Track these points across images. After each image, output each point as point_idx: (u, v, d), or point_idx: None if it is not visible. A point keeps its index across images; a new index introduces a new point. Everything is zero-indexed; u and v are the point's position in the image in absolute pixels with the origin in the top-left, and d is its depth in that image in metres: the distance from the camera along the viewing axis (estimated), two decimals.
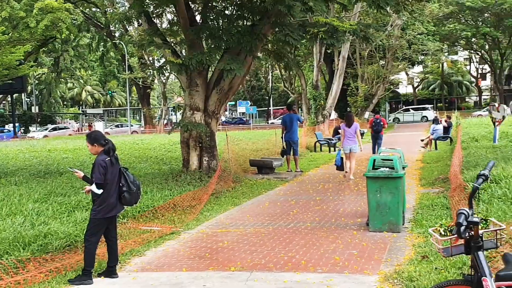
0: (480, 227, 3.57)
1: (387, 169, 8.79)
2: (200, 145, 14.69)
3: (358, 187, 13.75)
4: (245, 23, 14.98)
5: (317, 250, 7.81)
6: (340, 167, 15.39)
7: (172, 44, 16.00)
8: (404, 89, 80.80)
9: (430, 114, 57.06)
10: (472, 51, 68.63)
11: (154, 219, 10.25)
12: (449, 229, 3.74)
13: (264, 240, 8.56)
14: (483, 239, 3.54)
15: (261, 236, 8.81)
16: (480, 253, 3.46)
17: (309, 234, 8.87)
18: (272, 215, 10.61)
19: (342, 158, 15.38)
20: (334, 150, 24.58)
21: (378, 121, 20.31)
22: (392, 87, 55.35)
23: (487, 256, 5.50)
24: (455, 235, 3.49)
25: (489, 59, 64.49)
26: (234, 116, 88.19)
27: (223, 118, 75.38)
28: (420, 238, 8.16)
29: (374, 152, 18.66)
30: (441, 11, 53.70)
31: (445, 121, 24.62)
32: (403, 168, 9.37)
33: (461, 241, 3.56)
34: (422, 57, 53.49)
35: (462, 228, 3.34)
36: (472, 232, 3.47)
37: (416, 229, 8.72)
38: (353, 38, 18.74)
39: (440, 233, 3.81)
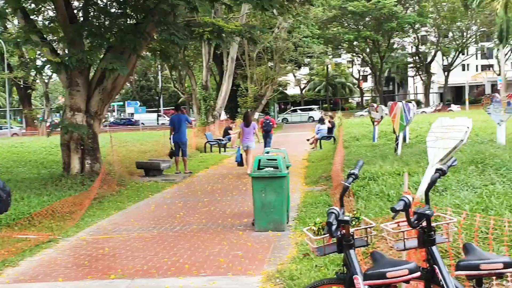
0: (352, 225, 3.62)
1: (272, 169, 8.88)
2: (82, 147, 14.07)
3: (247, 187, 13.79)
4: (128, 21, 14.55)
5: (202, 253, 7.69)
6: (240, 163, 16.65)
7: (52, 42, 15.19)
8: (292, 90, 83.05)
9: (317, 114, 59.09)
10: (354, 54, 71.98)
11: (31, 226, 9.64)
12: (322, 228, 3.77)
13: (147, 245, 8.30)
14: (355, 237, 3.59)
15: (145, 241, 8.54)
16: (351, 251, 3.51)
17: (195, 237, 8.73)
18: (158, 219, 10.35)
19: (241, 155, 16.58)
20: (225, 151, 24.66)
21: (268, 121, 21.16)
22: (280, 88, 56.75)
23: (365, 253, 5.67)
24: (327, 234, 3.51)
25: (370, 62, 67.98)
26: (122, 116, 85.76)
27: (111, 119, 73.20)
28: (303, 236, 8.29)
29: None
30: (325, 15, 55.96)
31: (328, 121, 25.51)
32: (287, 167, 9.50)
33: (334, 240, 3.59)
34: (308, 59, 55.31)
35: (333, 227, 3.35)
36: (344, 231, 3.50)
37: (299, 227, 8.86)
38: (241, 39, 18.89)
39: (314, 232, 3.83)
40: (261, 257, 7.32)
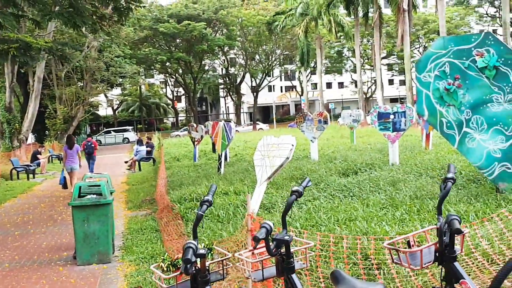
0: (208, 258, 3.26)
1: (95, 196, 8.16)
2: None
3: (62, 216, 12.69)
4: None
5: None
6: (64, 185, 16.48)
7: None
8: (105, 111, 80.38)
9: (131, 135, 57.80)
10: (167, 75, 72.05)
11: None
12: (172, 265, 3.34)
13: None
14: (210, 271, 3.23)
15: None
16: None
17: (8, 277, 7.64)
18: None
19: (65, 178, 16.39)
20: (34, 177, 22.64)
21: (90, 143, 21.10)
22: (92, 109, 54.39)
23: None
24: (180, 272, 3.09)
25: (183, 83, 68.58)
26: None
27: None
28: (131, 266, 7.74)
29: (91, 170, 19.99)
30: (137, 35, 55.20)
31: (146, 142, 24.92)
32: (111, 193, 8.83)
33: (187, 277, 3.19)
34: (121, 79, 53.93)
35: (189, 265, 2.95)
36: (199, 266, 3.12)
37: (127, 257, 8.29)
38: (49, 57, 17.53)
39: (163, 270, 3.38)
40: None
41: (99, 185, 8.32)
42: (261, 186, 8.94)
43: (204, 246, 3.35)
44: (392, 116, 13.47)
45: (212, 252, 3.46)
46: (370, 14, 46.62)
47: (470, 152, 8.96)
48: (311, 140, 16.33)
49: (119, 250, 8.92)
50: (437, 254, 3.23)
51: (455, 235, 3.09)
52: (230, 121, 16.76)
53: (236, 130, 57.92)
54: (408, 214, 7.63)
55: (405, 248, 3.48)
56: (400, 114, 13.37)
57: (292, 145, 8.79)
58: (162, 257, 3.56)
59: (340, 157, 15.34)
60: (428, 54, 9.20)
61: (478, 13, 72.44)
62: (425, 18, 67.35)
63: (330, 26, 50.19)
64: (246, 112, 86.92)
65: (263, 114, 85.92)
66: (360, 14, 48.06)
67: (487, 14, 72.07)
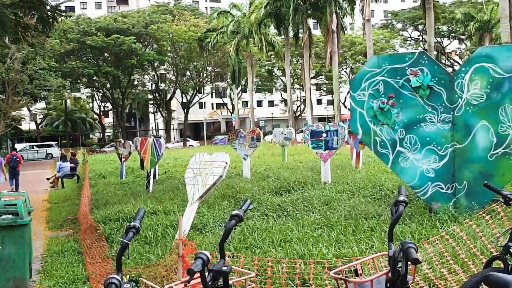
0: None
1: (10, 216, 7.47)
2: None
3: None
4: None
5: None
6: None
7: None
8: (27, 125, 77.01)
9: (55, 151, 55.56)
10: (94, 89, 70.07)
11: None
12: None
13: None
14: None
15: None
16: None
17: None
18: None
19: None
20: None
21: (15, 157, 20.80)
22: (14, 123, 51.87)
23: None
24: None
25: (111, 97, 66.87)
26: None
27: None
28: None
29: (13, 186, 19.62)
30: (63, 47, 53.45)
31: (70, 158, 23.85)
32: (29, 212, 8.14)
33: None
34: (45, 93, 51.87)
35: None
36: None
37: (45, 282, 7.65)
38: None
39: None
40: None
41: (16, 204, 7.63)
42: (192, 206, 8.55)
43: (129, 279, 2.93)
44: (324, 135, 13.42)
45: (138, 286, 3.04)
46: (300, 35, 47.27)
47: (403, 172, 8.95)
48: (244, 158, 16.05)
49: (37, 274, 8.24)
50: (388, 284, 2.97)
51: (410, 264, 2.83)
52: (160, 137, 16.21)
53: (166, 147, 56.84)
54: (343, 235, 7.45)
55: (353, 277, 3.21)
56: (332, 132, 13.33)
57: (226, 162, 8.49)
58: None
59: (273, 175, 15.13)
60: (363, 73, 9.16)
61: (403, 36, 75.33)
62: (352, 40, 69.31)
63: (261, 44, 50.56)
64: (176, 129, 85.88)
65: (194, 131, 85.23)
66: (291, 34, 48.70)
67: (411, 37, 75.05)
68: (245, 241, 7.46)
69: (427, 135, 8.68)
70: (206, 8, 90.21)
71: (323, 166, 13.42)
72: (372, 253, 6.40)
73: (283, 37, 50.64)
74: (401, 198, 3.12)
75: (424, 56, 8.73)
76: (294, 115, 57.64)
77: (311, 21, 49.04)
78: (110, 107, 74.71)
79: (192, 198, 8.57)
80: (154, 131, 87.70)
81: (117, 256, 2.89)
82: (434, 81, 8.56)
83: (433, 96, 8.60)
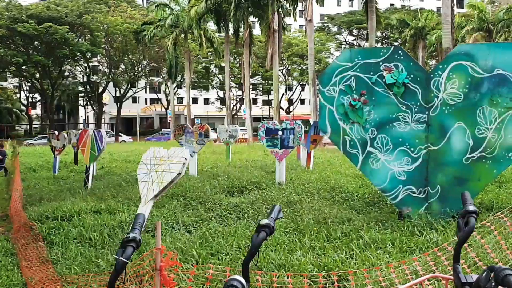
0: None
1: None
2: None
3: None
4: None
5: None
6: None
7: None
8: None
9: None
10: (22, 79, 66.54)
11: None
12: None
13: None
14: None
15: None
16: None
17: None
18: None
19: None
20: None
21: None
22: None
23: None
24: None
25: (40, 88, 63.70)
26: None
27: None
28: None
29: None
30: None
31: None
32: None
33: None
34: None
35: None
36: None
37: None
38: None
39: None
40: None
41: None
42: (146, 205, 7.68)
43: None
44: (280, 133, 12.79)
45: None
46: (240, 33, 46.59)
47: (373, 174, 8.44)
48: (190, 155, 15.17)
49: None
50: None
51: None
52: (100, 130, 15.05)
53: None
54: (317, 241, 6.81)
55: None
56: (288, 130, 12.73)
57: (186, 158, 7.67)
58: None
59: (222, 173, 14.34)
60: (333, 67, 8.58)
61: (338, 40, 76.34)
62: (289, 41, 69.37)
63: (200, 40, 49.58)
64: (107, 123, 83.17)
65: (126, 126, 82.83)
66: (231, 31, 47.99)
67: (346, 41, 76.18)
68: (208, 247, 6.67)
69: (400, 135, 8.20)
70: (143, 0, 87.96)
71: (278, 166, 12.78)
72: (354, 263, 5.80)
73: (222, 34, 49.84)
74: (471, 207, 2.44)
75: (399, 52, 8.24)
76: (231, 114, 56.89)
77: (251, 20, 48.51)
78: (39, 98, 71.36)
79: (145, 196, 7.68)
80: (85, 125, 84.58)
81: (110, 280, 2.09)
82: (410, 78, 8.09)
83: (407, 94, 8.13)
